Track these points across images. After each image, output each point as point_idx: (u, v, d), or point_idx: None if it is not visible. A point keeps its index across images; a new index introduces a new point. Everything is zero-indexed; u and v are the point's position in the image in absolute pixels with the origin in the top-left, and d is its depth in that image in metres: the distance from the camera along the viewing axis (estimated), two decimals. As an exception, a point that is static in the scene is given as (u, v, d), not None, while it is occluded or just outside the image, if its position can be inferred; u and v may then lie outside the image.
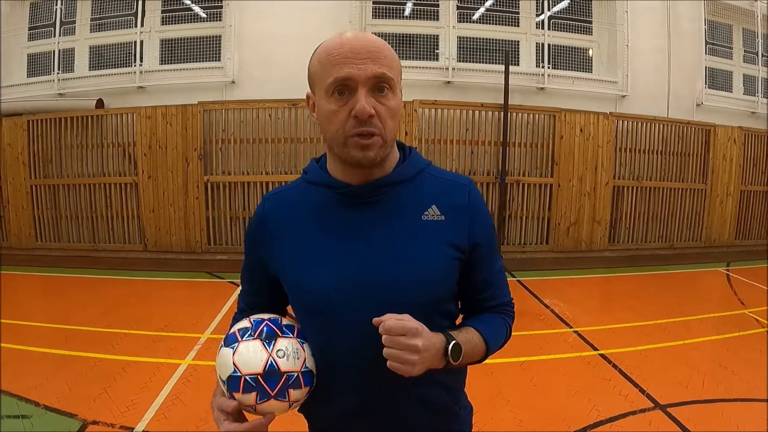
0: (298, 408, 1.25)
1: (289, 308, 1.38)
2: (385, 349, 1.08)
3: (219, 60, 8.69)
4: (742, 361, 4.72)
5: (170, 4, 8.84)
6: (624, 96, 9.20)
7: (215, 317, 5.78)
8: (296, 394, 1.17)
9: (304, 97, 1.27)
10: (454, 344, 1.16)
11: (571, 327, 5.62)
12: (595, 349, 5.00)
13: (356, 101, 1.11)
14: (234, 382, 1.14)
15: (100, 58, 9.13)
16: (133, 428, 3.45)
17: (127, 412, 3.67)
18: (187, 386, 4.11)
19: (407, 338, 1.07)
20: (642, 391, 4.11)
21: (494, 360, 4.36)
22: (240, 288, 1.47)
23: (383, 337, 1.08)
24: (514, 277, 7.70)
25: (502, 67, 8.45)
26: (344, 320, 1.19)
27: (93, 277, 7.64)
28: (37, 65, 9.21)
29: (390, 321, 1.08)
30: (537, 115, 8.65)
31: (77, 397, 3.88)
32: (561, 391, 4.11)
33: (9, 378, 4.13)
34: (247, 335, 1.18)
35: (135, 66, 8.67)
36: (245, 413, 1.19)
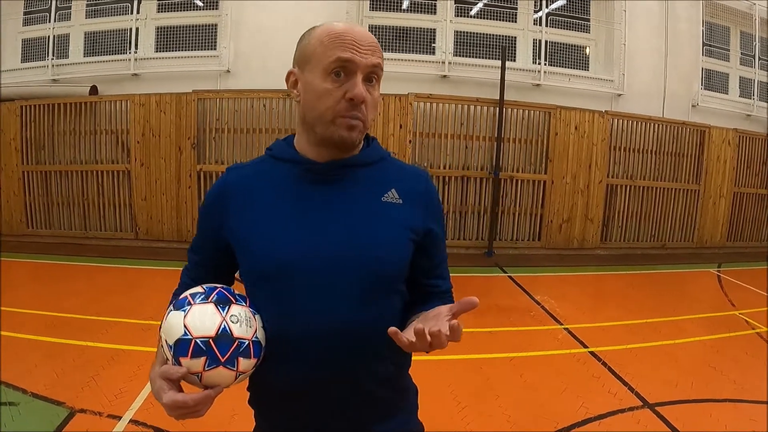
0: (242, 381, 1.21)
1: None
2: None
3: (215, 49, 8.64)
4: (732, 362, 4.74)
5: (166, -8, 8.79)
6: (620, 95, 9.21)
7: (206, 307, 5.75)
8: (245, 364, 1.14)
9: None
10: None
11: (562, 324, 5.62)
12: (585, 346, 5.01)
13: (354, 85, 1.17)
14: (183, 345, 1.09)
15: (95, 45, 9.06)
16: (121, 417, 3.44)
17: (115, 400, 3.65)
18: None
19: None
20: (631, 389, 4.12)
21: (483, 355, 4.39)
22: (186, 263, 1.45)
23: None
24: (505, 272, 7.71)
25: (498, 63, 8.43)
26: (301, 289, 1.20)
27: (83, 264, 7.59)
28: (32, 50, 9.14)
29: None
30: (532, 112, 8.65)
31: (65, 385, 3.86)
32: (550, 388, 4.11)
33: (-4, 364, 4.11)
34: (199, 299, 1.15)
35: (130, 53, 8.61)
36: (187, 386, 1.14)
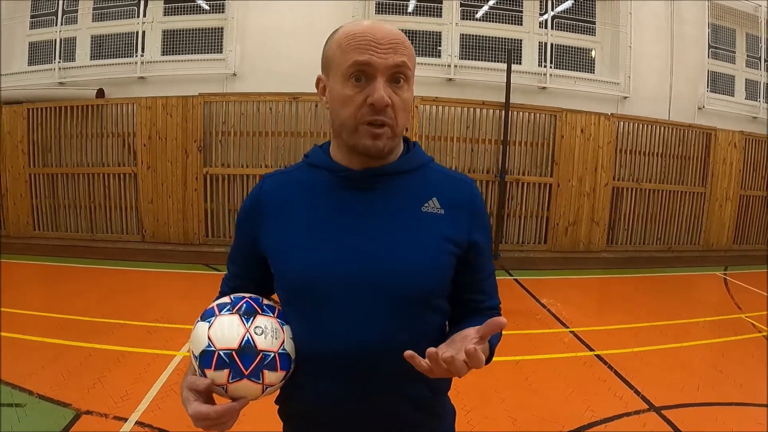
0: (272, 393, 1.18)
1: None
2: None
3: (221, 52, 8.67)
4: (738, 366, 4.72)
5: (173, -5, 8.83)
6: (626, 97, 9.19)
7: (211, 310, 5.76)
8: (271, 377, 1.10)
9: (314, 82, 1.25)
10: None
11: (568, 327, 5.62)
12: (591, 349, 5.00)
13: (374, 90, 1.10)
14: (207, 357, 1.08)
15: (102, 48, 9.10)
16: (127, 419, 3.45)
17: (121, 402, 3.66)
18: (182, 378, 4.09)
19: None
20: (637, 392, 4.11)
21: (490, 358, 4.37)
22: (225, 273, 1.43)
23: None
24: (511, 275, 7.70)
25: (504, 66, 8.41)
26: (334, 302, 1.15)
27: (90, 267, 7.63)
28: (39, 53, 9.17)
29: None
30: (538, 115, 8.64)
31: (71, 386, 3.87)
32: (556, 391, 4.11)
33: (4, 366, 4.12)
34: (225, 310, 1.14)
35: (136, 56, 8.65)
36: (216, 397, 1.13)
